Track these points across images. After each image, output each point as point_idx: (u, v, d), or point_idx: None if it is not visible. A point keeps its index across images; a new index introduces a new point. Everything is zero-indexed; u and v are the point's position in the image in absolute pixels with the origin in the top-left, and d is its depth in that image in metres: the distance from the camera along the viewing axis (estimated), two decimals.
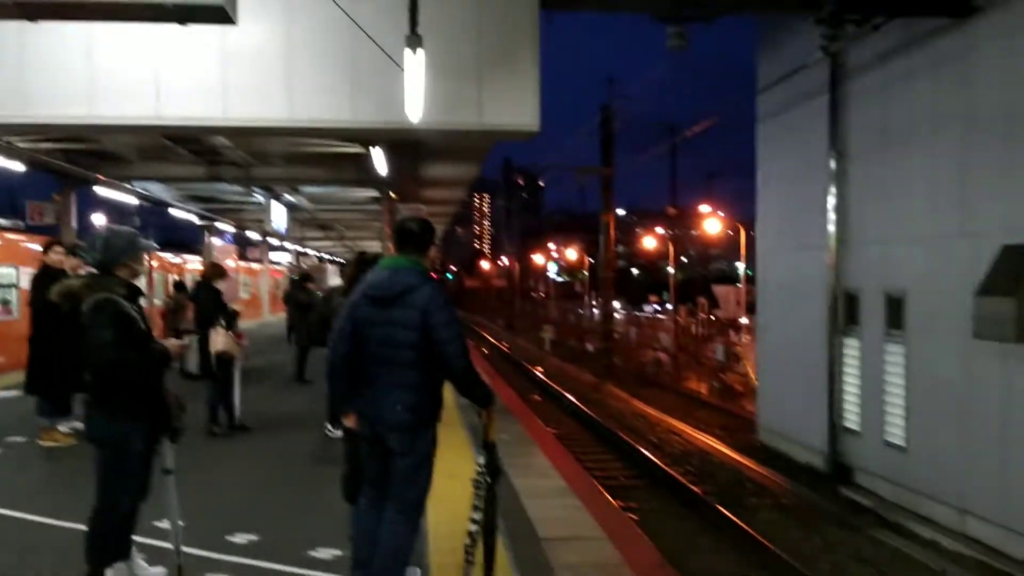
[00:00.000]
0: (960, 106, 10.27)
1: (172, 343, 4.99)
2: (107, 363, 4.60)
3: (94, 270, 4.86)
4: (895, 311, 11.65)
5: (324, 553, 5.77)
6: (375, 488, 4.62)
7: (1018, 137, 9.28)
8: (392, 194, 18.66)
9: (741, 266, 37.82)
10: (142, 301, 4.95)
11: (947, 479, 10.40)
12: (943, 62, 10.61)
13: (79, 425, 8.26)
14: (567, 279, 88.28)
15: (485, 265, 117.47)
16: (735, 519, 10.76)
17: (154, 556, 5.23)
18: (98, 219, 34.72)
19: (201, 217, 25.95)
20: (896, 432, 11.57)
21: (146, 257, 5.07)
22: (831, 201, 13.04)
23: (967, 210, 10.12)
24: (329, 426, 9.54)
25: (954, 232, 10.33)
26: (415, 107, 7.65)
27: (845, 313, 12.98)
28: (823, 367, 13.35)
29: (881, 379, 11.94)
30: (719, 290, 29.48)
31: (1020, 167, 9.25)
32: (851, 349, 12.88)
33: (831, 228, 13.07)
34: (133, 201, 20.82)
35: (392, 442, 4.48)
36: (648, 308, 47.02)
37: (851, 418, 12.81)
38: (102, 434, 4.75)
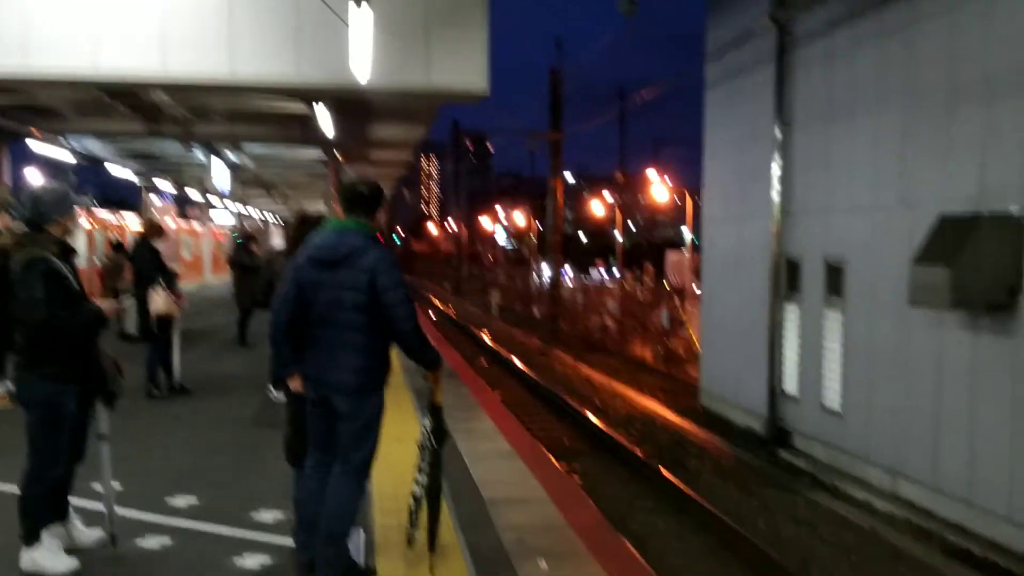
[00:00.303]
0: (903, 78, 10.42)
1: (106, 304, 4.87)
2: (37, 322, 4.48)
3: (26, 228, 4.72)
4: (835, 279, 11.88)
5: (266, 515, 5.74)
6: (321, 451, 4.59)
7: (957, 110, 9.45)
8: (338, 154, 18.39)
9: (688, 233, 38.15)
10: (77, 260, 4.82)
11: (881, 443, 10.71)
12: (887, 34, 10.74)
13: (12, 387, 8.06)
14: (515, 244, 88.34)
15: (432, 229, 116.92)
16: (676, 481, 10.95)
17: (93, 519, 5.14)
18: (33, 176, 33.63)
19: (139, 175, 25.31)
20: (833, 397, 11.86)
21: (81, 215, 4.92)
22: (775, 170, 13.19)
23: (907, 181, 10.31)
24: (272, 389, 9.44)
25: (894, 202, 10.53)
26: (361, 65, 7.51)
27: (787, 281, 13.21)
28: (764, 333, 13.59)
29: (820, 345, 12.21)
30: (671, 256, 29.70)
31: (958, 139, 9.45)
32: (792, 316, 13.13)
33: (775, 197, 13.23)
34: (69, 157, 20.20)
35: (339, 405, 4.44)
36: (594, 273, 47.23)
37: (790, 383, 13.09)
38: (32, 396, 4.64)
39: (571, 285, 36.29)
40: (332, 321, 4.40)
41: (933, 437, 9.75)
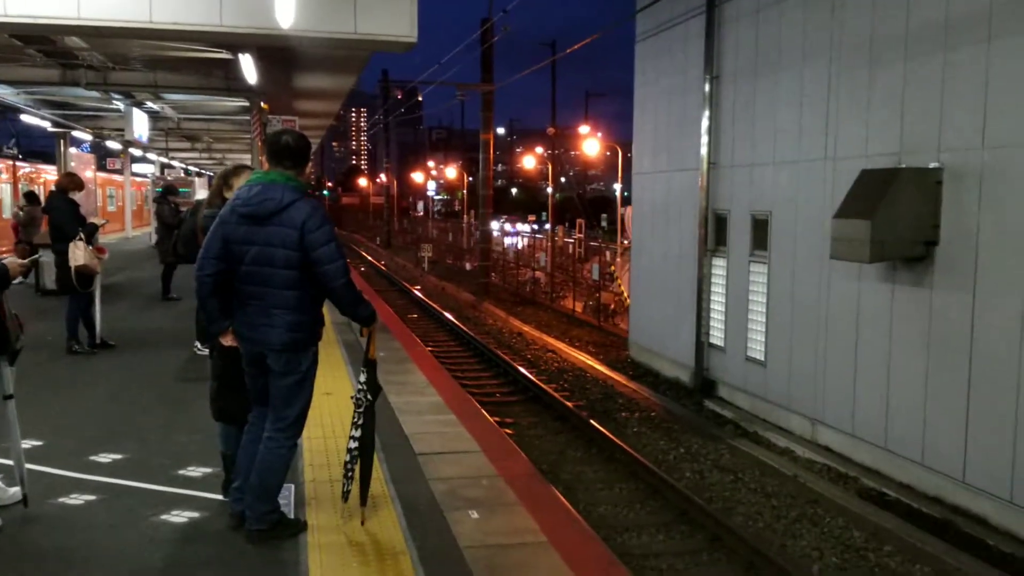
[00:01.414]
0: (828, 33, 10.57)
1: (11, 261, 4.67)
2: None
3: None
4: (760, 233, 12.12)
5: (194, 471, 5.67)
6: (261, 405, 4.54)
7: (880, 64, 9.65)
8: (263, 105, 17.91)
9: (618, 187, 38.43)
10: None
11: (802, 392, 11.05)
12: None
13: None
14: (446, 197, 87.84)
15: (363, 182, 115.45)
16: (604, 431, 11.15)
17: (11, 477, 5.01)
18: None
19: (55, 124, 24.32)
20: (757, 348, 12.17)
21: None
22: (704, 124, 13.32)
23: (831, 135, 10.52)
24: (198, 344, 9.28)
25: (818, 156, 10.74)
26: (285, 11, 7.31)
27: (714, 234, 13.42)
28: (692, 286, 13.83)
29: (745, 298, 12.48)
30: (628, 212, 29.81)
31: (880, 95, 9.65)
32: (719, 269, 13.37)
33: (703, 150, 13.38)
34: None
35: (272, 362, 4.39)
36: (524, 227, 47.12)
37: (716, 335, 13.38)
38: None
39: (499, 236, 36.24)
40: (262, 278, 4.31)
41: (851, 386, 10.10)
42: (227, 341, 4.55)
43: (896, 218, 8.77)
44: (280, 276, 4.28)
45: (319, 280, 4.31)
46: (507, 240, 32.59)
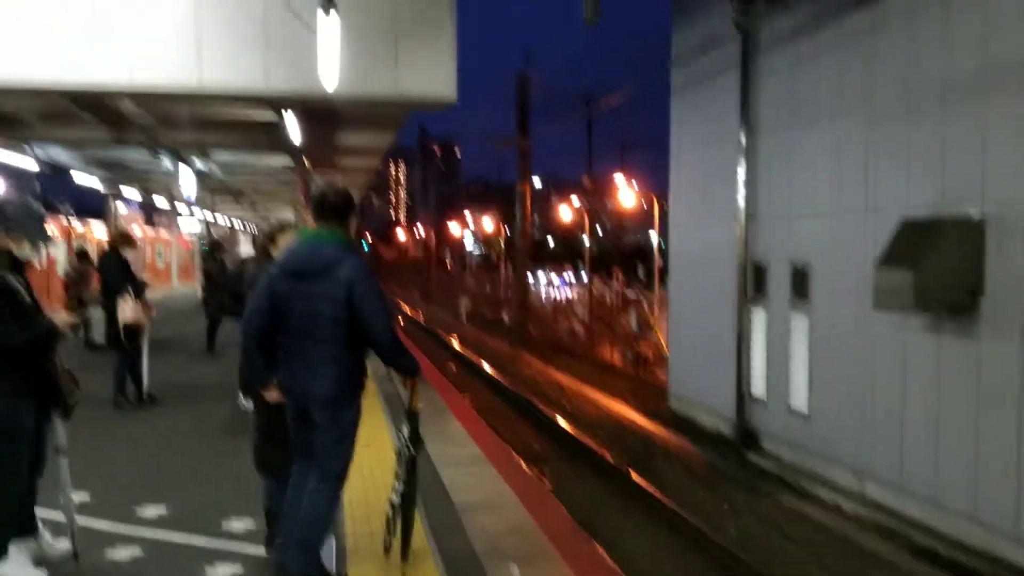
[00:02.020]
0: (864, 84, 10.60)
1: (62, 318, 4.81)
2: None
3: None
4: (800, 283, 12.04)
5: (237, 524, 5.72)
6: (305, 458, 4.60)
7: (917, 116, 9.64)
8: (306, 162, 18.30)
9: (655, 237, 38.38)
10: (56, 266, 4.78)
11: (847, 444, 10.86)
12: (849, 41, 10.92)
13: None
14: (483, 249, 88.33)
15: (401, 235, 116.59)
16: (644, 483, 11.03)
17: (61, 531, 5.10)
18: None
19: (105, 183, 25.01)
20: (800, 399, 12.01)
21: (47, 227, 4.83)
22: (741, 175, 13.34)
23: (870, 185, 10.49)
24: (241, 397, 9.40)
25: (857, 206, 10.70)
26: (329, 73, 7.52)
27: (753, 284, 13.36)
28: (731, 336, 13.73)
29: (786, 348, 12.36)
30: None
31: (919, 144, 9.63)
32: (758, 319, 13.28)
33: (740, 201, 13.38)
34: (34, 166, 19.93)
35: (317, 415, 4.45)
36: (555, 279, 45.99)
37: (757, 385, 13.23)
38: None
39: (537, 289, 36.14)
40: (309, 333, 4.39)
41: (898, 438, 9.91)
42: (271, 396, 4.63)
43: (940, 268, 8.69)
44: (326, 332, 4.36)
45: (366, 335, 4.39)
46: (554, 292, 32.38)
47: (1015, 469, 8.24)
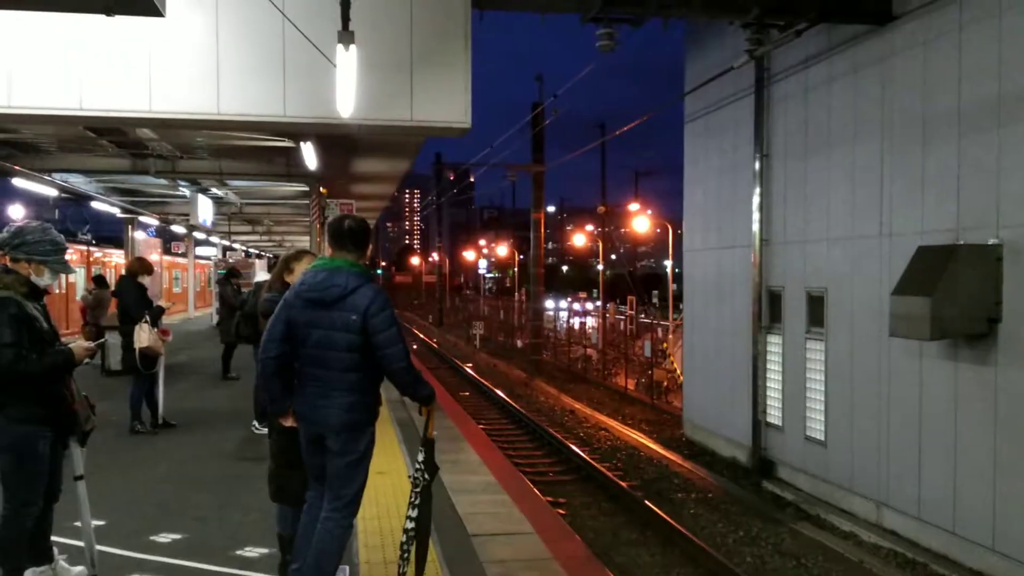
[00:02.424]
0: (878, 112, 10.61)
1: (78, 346, 4.83)
2: (4, 366, 4.42)
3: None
4: (816, 309, 12.00)
5: (251, 552, 5.71)
6: (319, 484, 4.60)
7: (934, 141, 9.64)
8: (322, 189, 18.45)
9: (669, 264, 38.40)
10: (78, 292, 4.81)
11: (865, 473, 10.76)
12: (862, 69, 10.95)
13: None
14: (497, 275, 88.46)
15: (415, 260, 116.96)
16: (660, 513, 10.95)
17: (77, 556, 5.10)
18: (15, 211, 33.48)
19: (124, 210, 25.26)
20: (817, 427, 11.92)
21: (66, 254, 4.85)
22: (755, 201, 13.35)
23: (885, 211, 10.47)
24: (256, 423, 9.42)
25: (873, 233, 10.68)
26: (346, 103, 7.60)
27: (768, 311, 13.31)
28: (747, 364, 13.67)
29: (803, 375, 12.28)
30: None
31: (934, 172, 9.62)
32: (774, 346, 13.22)
33: (755, 228, 13.38)
34: (53, 193, 20.17)
35: (331, 442, 4.46)
36: (564, 305, 45.25)
37: (774, 413, 13.15)
38: (2, 440, 4.56)
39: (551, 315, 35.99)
40: (324, 360, 4.41)
41: (916, 467, 9.82)
42: (288, 422, 4.64)
43: (956, 295, 8.65)
44: (342, 359, 4.38)
45: (380, 363, 4.40)
46: (576, 320, 32.05)
47: None
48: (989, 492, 8.71)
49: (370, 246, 4.71)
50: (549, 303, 38.75)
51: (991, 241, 8.70)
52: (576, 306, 40.43)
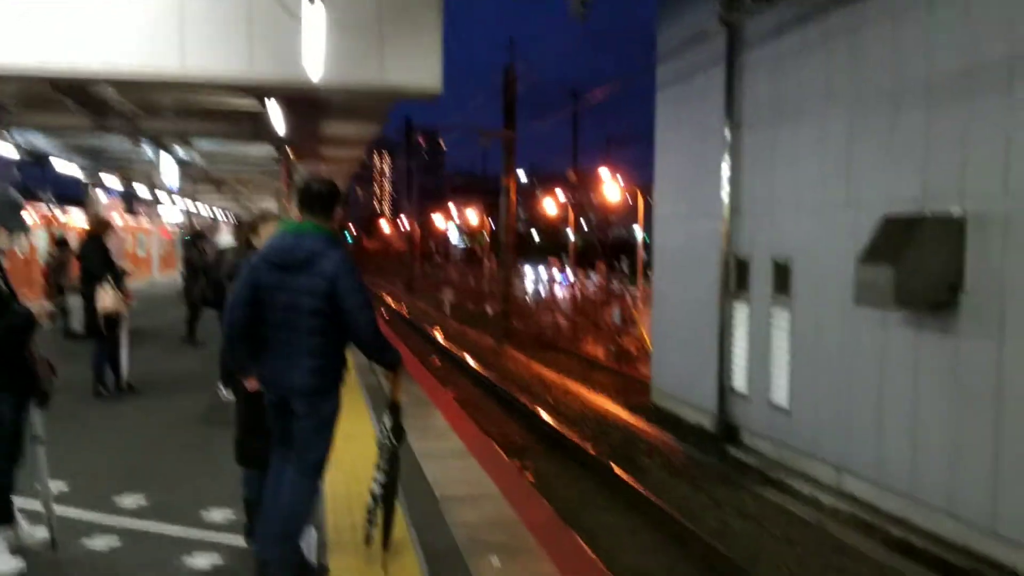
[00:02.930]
0: (848, 81, 10.64)
1: (39, 306, 4.76)
2: None
3: None
4: (782, 277, 12.09)
5: (217, 515, 5.69)
6: (285, 448, 4.58)
7: (902, 111, 9.69)
8: (290, 152, 18.21)
9: (639, 232, 38.49)
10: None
11: (827, 439, 10.93)
12: (833, 38, 10.95)
13: None
14: (467, 242, 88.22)
15: (385, 226, 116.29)
16: (626, 478, 11.07)
17: (38, 519, 5.05)
18: None
19: (85, 170, 24.79)
20: (781, 394, 12.07)
21: (25, 215, 4.74)
22: (725, 170, 13.38)
23: (853, 181, 10.54)
24: (221, 387, 9.35)
25: (840, 202, 10.75)
26: (314, 62, 7.48)
27: (736, 279, 13.40)
28: (714, 331, 13.78)
29: (768, 343, 12.41)
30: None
31: (901, 140, 9.68)
32: (741, 314, 13.33)
33: (724, 196, 13.42)
34: (13, 153, 19.73)
35: (296, 406, 4.43)
36: (557, 275, 45.55)
37: (739, 380, 13.29)
38: None
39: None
40: (290, 324, 4.37)
41: (877, 433, 9.99)
42: (251, 386, 4.61)
43: (920, 264, 8.75)
44: (307, 323, 4.35)
45: (347, 328, 4.37)
46: (559, 291, 31.75)
47: (991, 464, 8.32)
48: (947, 458, 8.89)
49: (339, 210, 4.66)
50: (528, 271, 38.56)
51: (955, 211, 8.79)
52: (559, 274, 40.41)
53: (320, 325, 4.35)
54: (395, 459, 4.78)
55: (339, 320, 4.35)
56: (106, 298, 9.27)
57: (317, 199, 4.50)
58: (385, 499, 4.79)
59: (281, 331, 4.40)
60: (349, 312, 4.32)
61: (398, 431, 4.79)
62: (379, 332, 4.46)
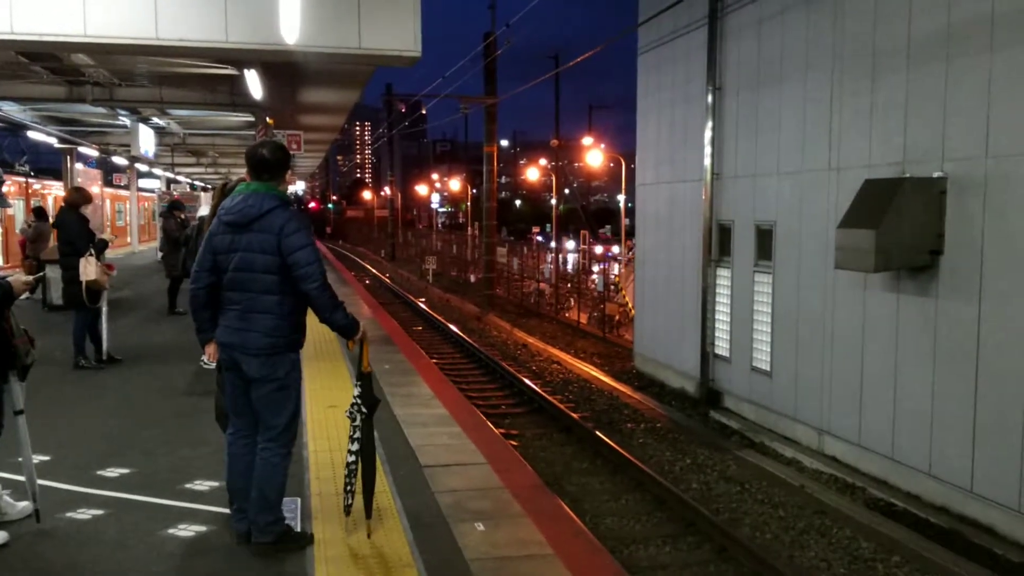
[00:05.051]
0: (830, 44, 10.60)
1: (16, 278, 4.71)
2: None
3: None
4: (765, 243, 12.13)
5: (201, 485, 5.69)
6: (238, 417, 4.57)
7: (883, 74, 9.67)
8: (268, 120, 18.02)
9: (622, 198, 38.49)
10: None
11: (808, 402, 11.03)
12: (815, 0, 10.89)
13: None
14: (450, 210, 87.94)
15: (367, 195, 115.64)
16: (610, 442, 11.14)
17: (22, 492, 5.03)
18: None
19: (62, 140, 24.46)
20: (763, 358, 12.15)
21: (3, 186, 4.67)
22: (707, 135, 13.35)
23: (834, 146, 10.54)
24: (204, 358, 9.31)
25: (822, 167, 10.76)
26: (291, 27, 7.36)
27: (719, 245, 13.43)
28: (697, 297, 13.83)
29: (750, 307, 12.47)
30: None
31: (883, 105, 9.67)
32: (723, 279, 13.37)
33: (707, 161, 13.40)
34: None
35: (248, 368, 4.43)
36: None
37: (722, 345, 13.37)
38: None
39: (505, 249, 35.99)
40: (244, 283, 4.41)
41: (857, 396, 10.09)
42: (210, 352, 4.61)
43: (900, 228, 8.78)
44: (260, 281, 4.37)
45: (296, 285, 4.37)
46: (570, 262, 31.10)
47: (970, 426, 8.43)
48: (927, 420, 8.99)
49: (288, 172, 4.71)
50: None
51: (936, 174, 8.82)
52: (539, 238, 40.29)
53: (273, 283, 4.37)
54: (368, 428, 4.78)
55: (291, 277, 4.36)
56: (89, 269, 9.18)
57: (263, 163, 4.54)
58: (363, 466, 4.79)
59: (236, 291, 4.43)
60: (296, 264, 4.34)
61: (369, 400, 4.78)
62: (327, 287, 4.45)
